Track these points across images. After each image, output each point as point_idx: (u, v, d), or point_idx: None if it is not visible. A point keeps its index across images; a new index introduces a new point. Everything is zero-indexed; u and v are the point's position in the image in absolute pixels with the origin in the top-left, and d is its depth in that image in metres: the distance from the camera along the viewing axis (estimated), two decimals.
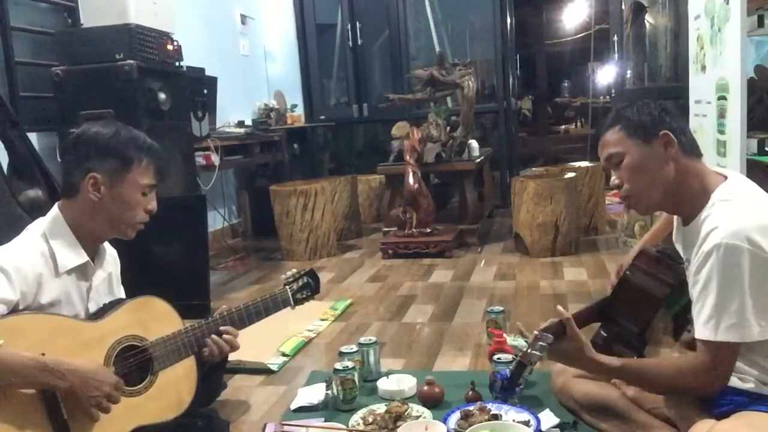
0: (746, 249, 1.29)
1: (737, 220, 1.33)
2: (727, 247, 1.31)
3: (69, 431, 1.42)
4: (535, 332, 1.52)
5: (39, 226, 1.57)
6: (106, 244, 1.73)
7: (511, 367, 1.56)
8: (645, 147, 1.46)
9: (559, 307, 1.54)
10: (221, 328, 1.72)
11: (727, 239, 1.31)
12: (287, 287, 1.87)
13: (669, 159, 1.44)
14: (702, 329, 1.36)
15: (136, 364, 1.57)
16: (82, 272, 1.60)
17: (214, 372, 1.88)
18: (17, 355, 1.33)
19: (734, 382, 1.41)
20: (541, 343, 1.50)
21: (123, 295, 1.78)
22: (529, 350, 1.51)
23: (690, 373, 1.40)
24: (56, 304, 1.52)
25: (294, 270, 1.93)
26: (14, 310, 1.43)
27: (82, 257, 1.58)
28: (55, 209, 1.60)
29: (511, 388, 1.64)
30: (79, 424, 1.44)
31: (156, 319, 1.64)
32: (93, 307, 1.63)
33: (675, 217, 1.57)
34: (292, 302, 1.86)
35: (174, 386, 1.63)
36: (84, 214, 1.58)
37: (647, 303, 1.60)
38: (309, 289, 1.92)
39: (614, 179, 1.52)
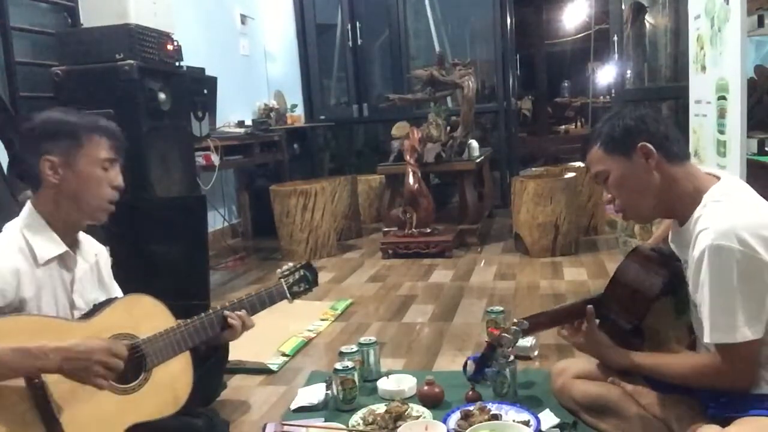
0: (737, 249, 1.30)
1: (728, 220, 1.33)
2: (717, 248, 1.32)
3: (62, 430, 1.41)
4: (514, 320, 1.60)
5: (15, 223, 1.58)
6: (93, 240, 1.73)
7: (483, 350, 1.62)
8: (626, 161, 1.47)
9: (590, 306, 1.61)
10: (226, 313, 1.73)
11: (718, 240, 1.32)
12: (282, 280, 1.86)
13: (651, 169, 1.45)
14: (705, 330, 1.38)
15: (128, 361, 1.57)
16: (64, 263, 1.60)
17: (213, 371, 1.88)
18: None
19: None
20: (515, 328, 1.55)
21: (118, 292, 1.77)
22: (501, 333, 1.55)
23: (707, 372, 1.42)
24: (40, 297, 1.52)
25: (290, 264, 1.92)
26: None
27: (61, 247, 1.57)
28: (28, 205, 1.59)
29: (480, 369, 1.67)
30: (73, 423, 1.43)
31: (146, 316, 1.63)
32: (78, 299, 1.62)
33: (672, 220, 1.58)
34: (288, 295, 1.85)
35: (169, 383, 1.61)
36: (52, 202, 1.57)
37: (640, 299, 1.61)
38: (306, 281, 1.90)
39: (606, 195, 1.55)
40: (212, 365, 1.87)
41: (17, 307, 1.49)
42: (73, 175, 1.55)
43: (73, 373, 1.38)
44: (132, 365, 1.57)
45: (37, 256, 1.53)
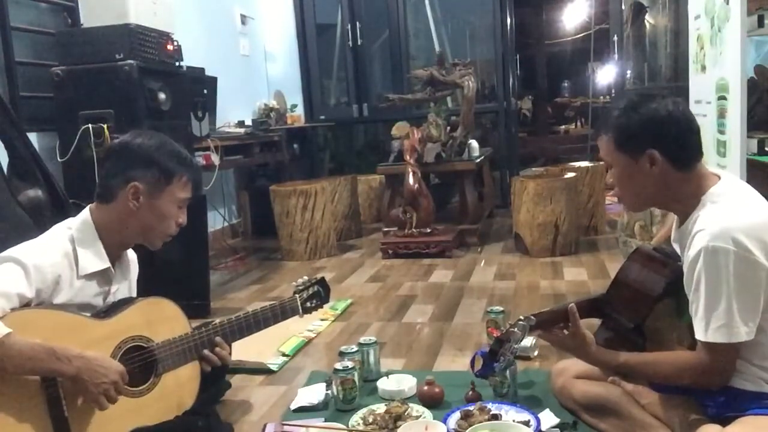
0: (731, 251, 1.31)
1: (723, 222, 1.34)
2: (712, 250, 1.32)
3: (69, 429, 1.43)
4: (521, 316, 1.59)
5: (69, 226, 1.60)
6: (134, 256, 1.77)
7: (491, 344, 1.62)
8: (631, 162, 1.47)
9: (572, 305, 1.59)
10: (217, 339, 1.72)
11: (713, 242, 1.32)
12: (297, 296, 1.89)
13: (654, 174, 1.45)
14: (697, 329, 1.39)
15: (140, 364, 1.58)
16: (103, 278, 1.62)
17: (219, 370, 1.89)
18: (26, 341, 1.36)
19: (733, 381, 1.42)
20: (522, 323, 1.56)
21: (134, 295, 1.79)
22: (511, 328, 1.56)
23: (689, 370, 1.43)
24: (71, 306, 1.54)
25: (305, 278, 1.94)
26: (27, 305, 1.45)
27: (104, 263, 1.60)
28: (86, 212, 1.63)
29: (489, 363, 1.67)
30: (80, 422, 1.45)
31: (164, 321, 1.65)
32: None
33: (675, 218, 1.58)
34: (300, 311, 1.89)
35: (176, 389, 1.63)
36: (117, 221, 1.61)
37: (642, 299, 1.61)
38: (318, 298, 1.94)
39: (609, 177, 1.56)
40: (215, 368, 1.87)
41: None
42: (151, 207, 1.61)
43: (85, 383, 1.42)
44: (143, 368, 1.59)
45: (80, 266, 1.56)
